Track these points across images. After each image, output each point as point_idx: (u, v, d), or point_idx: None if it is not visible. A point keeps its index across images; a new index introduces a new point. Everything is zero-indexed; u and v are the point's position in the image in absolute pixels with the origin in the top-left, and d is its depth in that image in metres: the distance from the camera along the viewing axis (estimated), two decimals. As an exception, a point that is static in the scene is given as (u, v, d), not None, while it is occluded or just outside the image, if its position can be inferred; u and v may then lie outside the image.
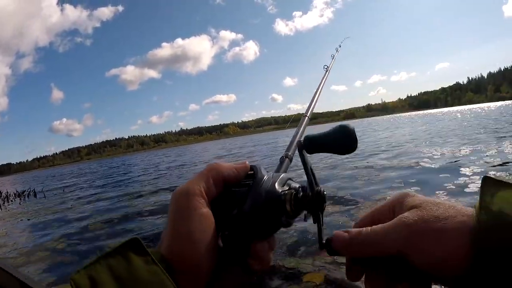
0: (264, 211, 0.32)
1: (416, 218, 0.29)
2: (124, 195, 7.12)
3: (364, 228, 0.32)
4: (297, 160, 0.47)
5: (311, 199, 0.33)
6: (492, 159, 5.01)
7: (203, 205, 0.32)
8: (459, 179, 4.09)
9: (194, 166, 12.97)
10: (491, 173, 4.10)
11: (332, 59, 0.97)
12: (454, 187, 3.77)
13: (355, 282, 0.33)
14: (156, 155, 41.30)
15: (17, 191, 11.88)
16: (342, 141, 0.37)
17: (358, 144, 0.37)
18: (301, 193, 0.33)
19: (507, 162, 4.67)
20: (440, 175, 4.47)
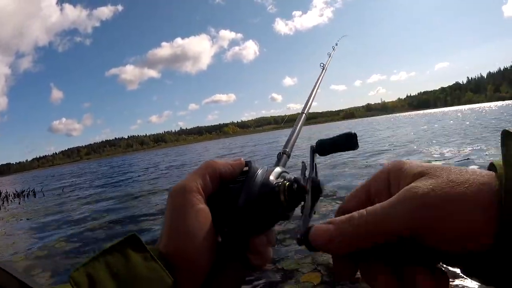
0: (258, 203, 0.32)
1: (430, 186, 0.23)
2: (125, 195, 7.11)
3: (355, 213, 0.25)
4: (296, 159, 0.47)
5: (305, 188, 0.32)
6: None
7: (200, 201, 0.32)
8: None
9: (195, 166, 12.94)
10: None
11: (329, 57, 0.97)
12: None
13: (348, 281, 0.28)
14: (156, 155, 41.29)
15: (16, 191, 11.85)
16: (346, 144, 0.38)
17: (360, 144, 0.38)
18: (296, 184, 0.32)
19: None
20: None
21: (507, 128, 0.24)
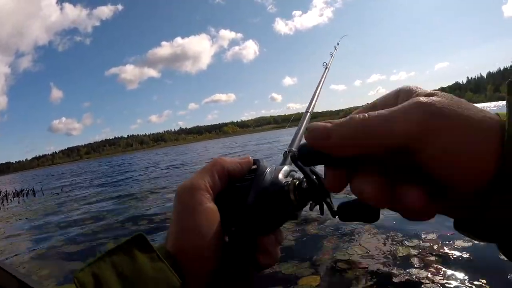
0: (268, 202, 0.32)
1: (438, 99, 0.21)
2: (125, 195, 7.11)
3: (356, 115, 0.23)
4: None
5: (315, 188, 0.31)
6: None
7: (208, 199, 0.31)
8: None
9: (195, 165, 12.95)
10: None
11: (332, 56, 0.97)
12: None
13: (338, 192, 0.25)
14: (156, 154, 41.30)
15: (16, 190, 11.85)
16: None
17: None
18: (305, 183, 0.32)
19: None
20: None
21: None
